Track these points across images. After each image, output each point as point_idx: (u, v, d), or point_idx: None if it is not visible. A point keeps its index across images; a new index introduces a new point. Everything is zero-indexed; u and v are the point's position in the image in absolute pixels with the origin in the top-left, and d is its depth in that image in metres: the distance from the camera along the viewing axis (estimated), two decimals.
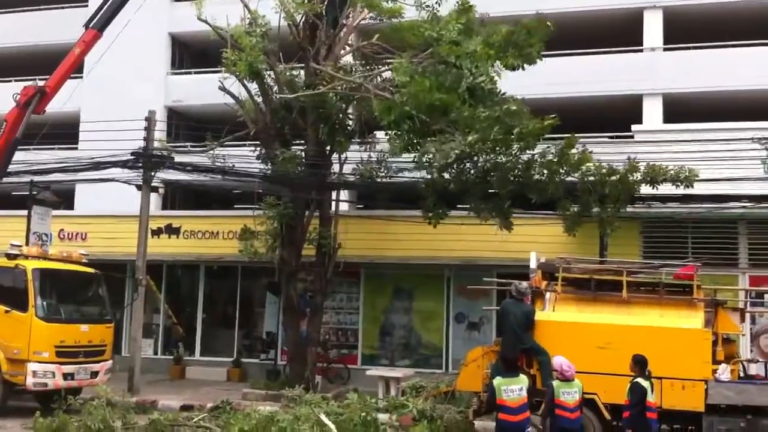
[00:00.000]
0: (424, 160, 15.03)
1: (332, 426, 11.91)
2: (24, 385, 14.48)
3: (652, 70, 21.16)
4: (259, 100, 17.74)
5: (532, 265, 13.36)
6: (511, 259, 16.59)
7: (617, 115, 21.08)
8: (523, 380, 9.61)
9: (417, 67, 14.85)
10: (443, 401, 13.91)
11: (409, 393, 14.79)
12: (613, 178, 14.94)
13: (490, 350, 13.01)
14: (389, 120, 14.61)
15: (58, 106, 17.81)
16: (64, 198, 21.97)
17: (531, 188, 14.94)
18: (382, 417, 12.52)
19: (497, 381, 9.58)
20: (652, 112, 21.12)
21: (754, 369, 13.10)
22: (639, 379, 10.13)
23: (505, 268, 16.99)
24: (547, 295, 12.79)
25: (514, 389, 9.42)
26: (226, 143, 18.50)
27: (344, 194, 20.08)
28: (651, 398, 10.16)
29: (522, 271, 14.00)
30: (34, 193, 18.89)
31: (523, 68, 14.95)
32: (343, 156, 18.18)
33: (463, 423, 12.84)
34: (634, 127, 19.25)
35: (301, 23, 17.93)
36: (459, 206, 16.78)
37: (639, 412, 10.03)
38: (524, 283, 12.69)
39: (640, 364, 10.28)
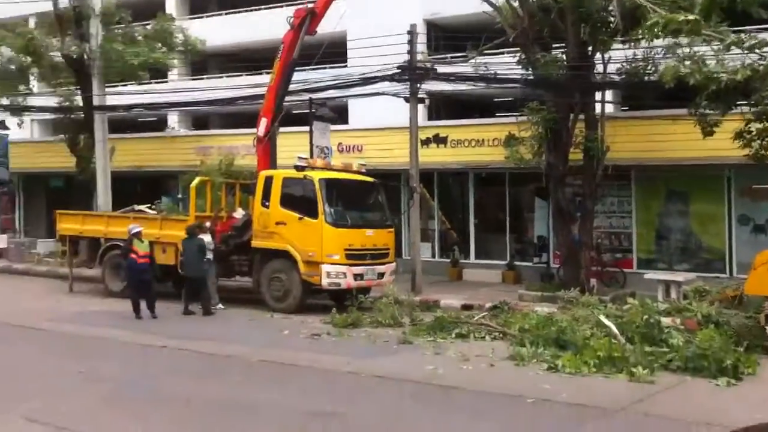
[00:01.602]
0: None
1: (614, 327, 11.89)
2: (319, 285, 15.87)
3: None
4: (516, 4, 17.40)
5: None
6: None
7: None
8: None
9: None
10: (730, 306, 13.34)
11: (692, 297, 14.35)
12: None
13: None
14: None
15: (327, 27, 18.79)
16: (339, 113, 23.40)
17: None
18: (665, 320, 12.26)
19: None
20: None
21: None
22: None
23: None
24: None
25: None
26: (486, 51, 18.50)
27: (609, 95, 19.34)
28: None
29: None
30: (313, 110, 20.31)
31: None
32: (607, 56, 17.42)
33: (754, 329, 12.18)
34: None
35: None
36: (739, 103, 15.40)
37: None
38: None
39: None
